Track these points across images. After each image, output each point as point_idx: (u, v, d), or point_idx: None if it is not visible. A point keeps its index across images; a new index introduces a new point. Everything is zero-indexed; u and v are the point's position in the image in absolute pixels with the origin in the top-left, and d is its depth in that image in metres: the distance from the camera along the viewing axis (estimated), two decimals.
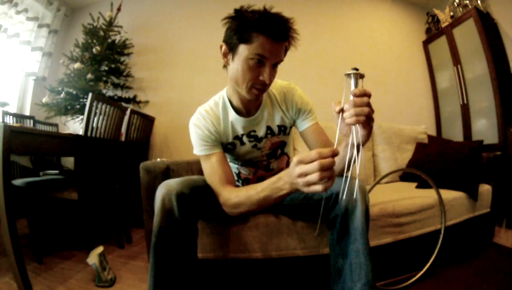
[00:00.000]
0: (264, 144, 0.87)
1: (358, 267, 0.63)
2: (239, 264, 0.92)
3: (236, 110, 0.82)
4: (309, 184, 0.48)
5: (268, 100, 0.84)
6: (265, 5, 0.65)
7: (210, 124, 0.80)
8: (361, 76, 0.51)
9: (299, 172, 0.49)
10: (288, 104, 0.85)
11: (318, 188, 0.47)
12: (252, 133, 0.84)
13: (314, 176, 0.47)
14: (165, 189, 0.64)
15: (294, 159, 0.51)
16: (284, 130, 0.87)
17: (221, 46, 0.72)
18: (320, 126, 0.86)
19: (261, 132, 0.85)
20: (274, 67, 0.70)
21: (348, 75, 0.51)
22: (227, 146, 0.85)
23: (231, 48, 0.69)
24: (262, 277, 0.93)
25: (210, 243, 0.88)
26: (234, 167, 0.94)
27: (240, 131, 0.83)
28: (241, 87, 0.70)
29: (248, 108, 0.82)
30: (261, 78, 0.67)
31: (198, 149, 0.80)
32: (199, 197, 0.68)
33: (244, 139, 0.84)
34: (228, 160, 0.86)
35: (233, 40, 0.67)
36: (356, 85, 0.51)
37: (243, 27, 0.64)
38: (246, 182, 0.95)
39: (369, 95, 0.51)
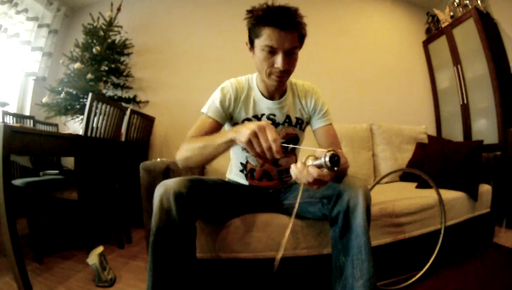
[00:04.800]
0: (280, 131, 0.90)
1: (360, 264, 0.64)
2: (238, 265, 0.92)
3: (261, 93, 0.88)
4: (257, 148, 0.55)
5: (290, 92, 0.92)
6: (273, 1, 0.73)
7: (234, 91, 0.86)
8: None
9: (252, 133, 0.55)
10: (308, 100, 0.92)
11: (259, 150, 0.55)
12: (271, 117, 0.88)
13: (265, 145, 0.54)
14: (163, 189, 0.64)
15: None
16: (300, 123, 0.92)
17: (246, 43, 0.81)
18: (333, 128, 0.91)
19: (279, 117, 0.89)
20: (289, 55, 0.74)
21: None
22: (244, 122, 0.87)
23: (251, 43, 0.79)
24: (261, 277, 0.93)
25: (209, 243, 0.88)
26: (243, 156, 0.93)
27: (261, 111, 0.88)
28: (262, 74, 0.80)
29: (272, 94, 0.88)
30: (275, 66, 0.74)
31: (207, 108, 0.85)
32: (197, 197, 0.68)
33: (263, 119, 0.87)
34: (240, 148, 0.90)
35: (251, 36, 0.77)
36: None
37: (253, 24, 0.73)
38: (251, 173, 0.94)
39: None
